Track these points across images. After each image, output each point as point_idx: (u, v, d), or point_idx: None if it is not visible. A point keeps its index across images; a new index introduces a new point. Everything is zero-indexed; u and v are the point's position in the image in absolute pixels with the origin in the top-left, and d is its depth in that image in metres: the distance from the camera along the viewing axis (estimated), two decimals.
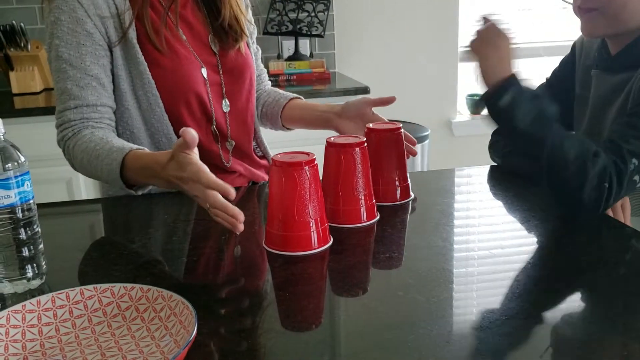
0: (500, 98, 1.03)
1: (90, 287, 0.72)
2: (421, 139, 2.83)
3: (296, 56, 2.84)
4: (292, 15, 2.83)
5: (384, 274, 0.85)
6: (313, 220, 0.89)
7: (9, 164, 0.77)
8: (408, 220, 1.06)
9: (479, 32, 1.07)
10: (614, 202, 1.01)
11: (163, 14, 1.18)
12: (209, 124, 1.23)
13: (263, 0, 2.83)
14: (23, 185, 0.79)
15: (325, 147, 1.00)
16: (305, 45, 2.93)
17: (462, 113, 3.34)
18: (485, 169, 1.29)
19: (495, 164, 1.30)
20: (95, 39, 1.12)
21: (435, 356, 0.64)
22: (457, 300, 0.76)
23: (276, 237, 0.90)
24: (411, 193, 1.12)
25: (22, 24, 2.48)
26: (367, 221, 1.00)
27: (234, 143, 1.28)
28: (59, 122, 1.15)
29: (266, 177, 1.35)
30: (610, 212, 1.08)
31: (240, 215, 0.88)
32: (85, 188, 2.34)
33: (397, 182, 1.09)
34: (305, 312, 0.75)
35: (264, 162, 1.37)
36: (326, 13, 2.85)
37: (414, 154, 1.19)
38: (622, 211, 1.10)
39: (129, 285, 0.72)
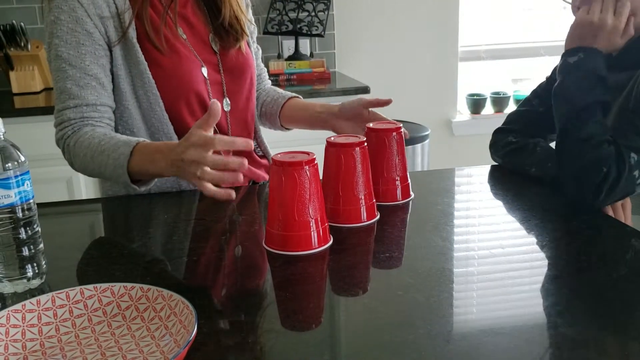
0: (574, 56, 1.09)
1: (90, 286, 0.72)
2: (421, 139, 2.83)
3: (296, 56, 2.84)
4: (292, 14, 2.83)
5: (384, 274, 0.85)
6: (313, 220, 0.89)
7: (9, 164, 0.77)
8: (408, 219, 1.06)
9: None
10: (610, 195, 1.01)
11: (163, 13, 1.18)
12: None
13: None
14: (23, 184, 0.79)
15: (325, 147, 1.00)
16: (305, 44, 2.93)
17: (462, 113, 3.33)
18: (486, 169, 1.29)
19: (496, 163, 1.30)
20: (95, 38, 1.12)
21: (435, 356, 0.64)
22: (457, 299, 0.76)
23: (276, 236, 0.90)
24: (411, 193, 1.12)
25: (22, 24, 2.48)
26: (367, 221, 1.00)
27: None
28: (58, 120, 1.14)
29: (267, 177, 1.35)
30: (610, 212, 1.08)
31: (245, 161, 0.90)
32: (86, 187, 2.34)
33: (397, 182, 1.09)
34: (305, 311, 0.75)
35: (264, 161, 1.37)
36: (326, 13, 2.85)
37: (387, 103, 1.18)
38: (623, 210, 1.10)
39: (129, 285, 0.72)
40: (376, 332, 0.70)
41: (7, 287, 0.80)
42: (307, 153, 0.91)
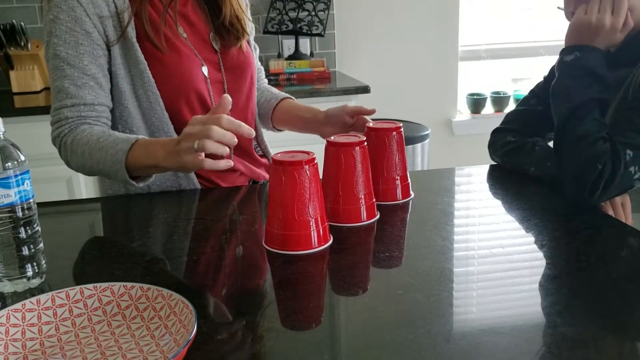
0: (570, 54, 1.10)
1: (90, 286, 0.72)
2: (421, 138, 2.83)
3: (296, 55, 2.84)
4: (293, 14, 2.83)
5: (384, 273, 0.85)
6: (313, 220, 0.89)
7: (9, 163, 0.77)
8: (408, 219, 1.06)
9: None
10: (606, 191, 1.01)
11: (163, 12, 1.18)
12: None
13: None
14: (23, 184, 0.79)
15: (325, 146, 1.00)
16: (305, 44, 2.93)
17: (463, 112, 3.33)
18: (486, 168, 1.29)
19: (495, 163, 1.30)
20: (94, 38, 1.12)
21: (435, 355, 0.64)
22: (457, 299, 0.76)
23: (276, 236, 0.90)
24: (411, 192, 1.12)
25: (22, 23, 2.48)
26: (367, 220, 1.00)
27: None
28: (55, 119, 1.14)
29: (267, 176, 1.35)
30: (610, 211, 1.08)
31: (252, 132, 0.95)
32: (85, 187, 2.34)
33: (397, 181, 1.09)
34: (305, 311, 0.75)
35: (264, 160, 1.37)
36: (326, 12, 2.84)
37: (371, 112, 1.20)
38: (623, 209, 1.10)
39: (128, 284, 0.72)
40: (376, 331, 0.70)
41: (7, 287, 0.80)
42: (307, 152, 0.91)
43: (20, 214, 0.79)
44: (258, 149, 1.39)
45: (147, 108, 1.17)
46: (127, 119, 1.17)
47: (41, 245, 0.83)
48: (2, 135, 0.77)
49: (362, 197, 0.99)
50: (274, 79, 2.72)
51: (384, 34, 3.08)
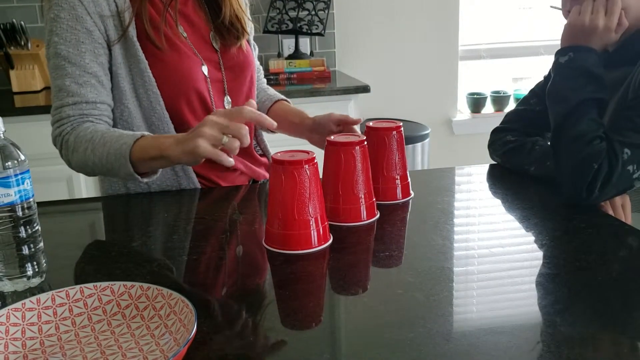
0: (564, 55, 1.10)
1: (90, 285, 0.72)
2: (421, 138, 2.84)
3: (296, 55, 2.84)
4: (293, 13, 2.83)
5: (384, 273, 0.85)
6: (313, 219, 0.89)
7: (9, 162, 0.77)
8: (408, 218, 1.06)
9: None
10: (603, 191, 1.01)
11: (163, 12, 1.18)
12: None
13: None
14: (23, 183, 0.79)
15: (325, 146, 1.00)
16: (305, 43, 2.93)
17: (463, 112, 3.33)
18: (486, 168, 1.29)
19: (495, 162, 1.30)
20: (95, 37, 1.12)
21: (434, 354, 0.64)
22: (457, 298, 0.76)
23: (276, 235, 0.90)
24: (411, 191, 1.12)
25: (22, 23, 2.48)
26: (367, 220, 1.00)
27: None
28: (56, 118, 1.14)
29: (267, 175, 1.35)
30: (610, 212, 1.08)
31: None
32: (86, 186, 2.34)
33: (397, 181, 1.09)
34: (305, 310, 0.75)
35: (264, 160, 1.37)
36: (326, 11, 2.84)
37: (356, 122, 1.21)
38: (623, 210, 1.10)
39: (128, 284, 0.72)
40: (376, 330, 0.70)
41: (7, 286, 0.80)
42: (307, 152, 0.91)
43: (20, 213, 0.79)
44: (258, 148, 1.39)
45: (148, 107, 1.17)
46: (127, 118, 1.17)
47: (41, 244, 0.83)
48: (2, 135, 0.77)
49: (362, 196, 0.99)
50: (274, 78, 2.72)
51: (384, 34, 3.08)
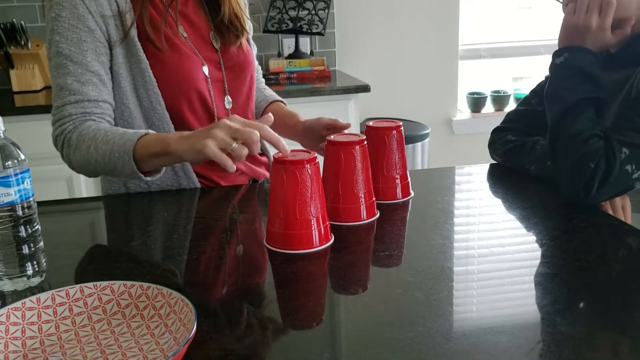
0: (560, 56, 1.11)
1: (90, 284, 0.72)
2: (422, 137, 2.84)
3: (296, 54, 2.84)
4: (293, 13, 2.83)
5: (384, 272, 0.85)
6: (314, 219, 0.89)
7: (9, 162, 0.77)
8: (408, 218, 1.06)
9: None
10: (601, 190, 1.01)
11: (164, 12, 1.18)
12: (211, 121, 1.23)
13: None
14: (23, 182, 0.79)
15: (325, 145, 1.00)
16: (305, 43, 2.93)
17: (463, 111, 3.33)
18: (486, 167, 1.29)
19: (495, 162, 1.30)
20: (96, 35, 1.11)
21: (434, 354, 0.64)
22: (456, 298, 0.76)
23: (277, 235, 0.90)
24: (411, 191, 1.12)
25: (22, 22, 2.48)
26: (367, 219, 1.00)
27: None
28: (57, 117, 1.13)
29: (267, 174, 1.35)
30: (610, 212, 1.08)
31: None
32: (86, 186, 2.34)
33: (397, 180, 1.09)
34: (305, 310, 0.75)
35: (264, 159, 1.37)
36: (327, 11, 2.84)
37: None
38: (623, 212, 1.10)
39: (128, 283, 0.72)
40: (376, 330, 0.70)
41: (7, 285, 0.80)
42: (309, 152, 0.91)
43: (20, 212, 0.79)
44: None
45: (148, 107, 1.17)
46: (128, 118, 1.17)
47: (41, 243, 0.83)
48: (2, 134, 0.77)
49: (362, 196, 0.99)
50: (274, 78, 2.72)
51: (384, 33, 3.08)
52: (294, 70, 2.76)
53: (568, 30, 1.10)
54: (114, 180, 1.23)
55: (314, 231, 0.89)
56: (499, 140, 1.28)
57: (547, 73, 1.27)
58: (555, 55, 1.12)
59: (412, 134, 2.78)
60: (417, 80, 3.16)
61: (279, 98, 1.43)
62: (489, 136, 1.32)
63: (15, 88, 2.52)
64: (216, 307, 0.76)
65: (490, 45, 3.37)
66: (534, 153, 1.20)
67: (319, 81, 2.70)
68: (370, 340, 0.68)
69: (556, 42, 1.14)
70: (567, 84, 1.08)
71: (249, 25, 1.33)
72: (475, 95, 3.28)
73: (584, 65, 1.07)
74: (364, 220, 1.00)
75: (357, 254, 0.91)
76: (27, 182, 0.80)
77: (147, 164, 1.05)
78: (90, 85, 1.11)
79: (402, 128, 1.09)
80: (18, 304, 0.69)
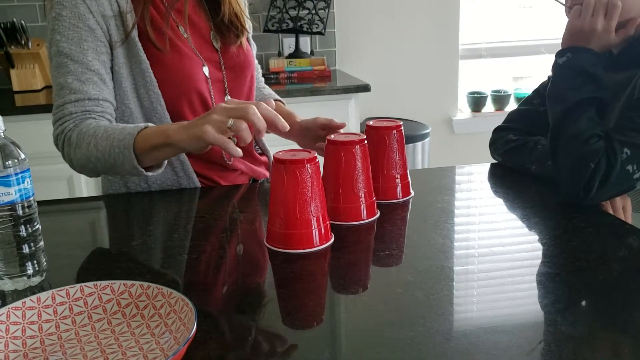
0: (563, 56, 1.11)
1: (91, 284, 0.72)
2: (422, 137, 2.84)
3: (297, 54, 2.84)
4: (293, 12, 2.83)
5: (384, 272, 0.85)
6: (315, 218, 0.89)
7: (10, 161, 0.77)
8: (408, 217, 1.06)
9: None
10: (601, 190, 1.01)
11: (165, 13, 1.18)
12: None
13: None
14: (23, 182, 0.79)
15: (325, 145, 1.00)
16: (305, 42, 2.93)
17: (463, 111, 3.33)
18: (486, 167, 1.29)
19: (496, 161, 1.30)
20: (97, 35, 1.11)
21: (434, 353, 0.64)
22: (457, 297, 0.76)
23: (277, 234, 0.90)
24: (411, 190, 1.12)
25: (22, 22, 2.48)
26: (367, 219, 1.00)
27: (235, 140, 1.27)
28: (58, 115, 1.12)
29: (267, 174, 1.35)
30: (610, 211, 1.08)
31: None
32: (86, 185, 2.34)
33: (397, 180, 1.09)
34: (305, 309, 0.75)
35: (264, 158, 1.37)
36: (327, 10, 2.84)
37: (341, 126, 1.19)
38: (624, 212, 1.10)
39: (129, 282, 0.72)
40: (376, 329, 0.70)
41: (8, 285, 0.80)
42: (309, 151, 0.91)
43: (20, 212, 0.79)
44: (257, 147, 1.39)
45: (149, 108, 1.17)
46: (128, 118, 1.17)
47: (41, 243, 0.83)
48: (2, 134, 0.77)
49: (362, 195, 0.99)
50: (274, 77, 2.72)
51: (384, 33, 3.08)
52: (294, 70, 2.76)
53: (573, 33, 1.10)
54: (115, 180, 1.23)
55: (314, 231, 0.89)
56: (500, 140, 1.28)
57: (549, 73, 1.27)
58: (558, 55, 1.12)
59: (413, 134, 2.78)
60: (418, 80, 3.16)
61: (278, 97, 1.43)
62: (489, 136, 1.32)
63: (15, 88, 2.52)
64: (216, 306, 0.76)
65: (491, 45, 3.37)
66: (535, 153, 1.19)
67: (319, 81, 2.70)
68: (371, 339, 0.68)
69: (557, 41, 1.14)
70: (570, 84, 1.08)
71: (248, 25, 1.33)
72: (475, 95, 3.28)
73: (586, 65, 1.07)
74: (364, 219, 1.00)
75: (357, 253, 0.91)
76: (28, 182, 0.80)
77: (148, 157, 1.04)
78: (91, 84, 1.11)
79: (402, 127, 1.09)
80: (18, 303, 0.69)
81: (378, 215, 1.02)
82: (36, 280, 0.82)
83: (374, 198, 1.02)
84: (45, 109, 2.22)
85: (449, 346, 0.65)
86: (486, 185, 1.22)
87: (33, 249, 0.81)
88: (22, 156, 0.79)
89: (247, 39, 1.32)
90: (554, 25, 3.18)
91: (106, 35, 1.13)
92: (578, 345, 0.65)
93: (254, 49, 1.38)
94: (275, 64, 2.77)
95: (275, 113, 0.94)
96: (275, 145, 1.22)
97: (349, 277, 0.83)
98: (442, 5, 3.10)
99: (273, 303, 0.77)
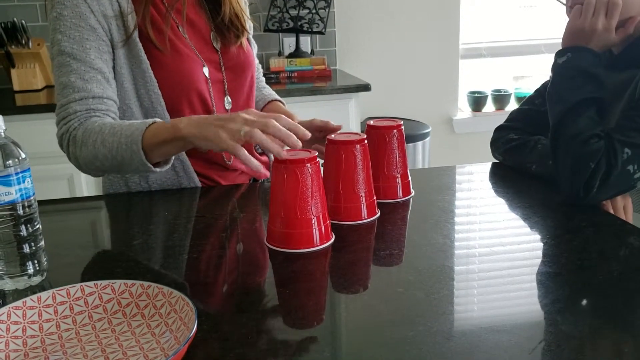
0: (563, 56, 1.11)
1: (91, 283, 0.72)
2: (422, 136, 2.84)
3: (297, 53, 2.84)
4: (293, 12, 2.83)
5: (384, 271, 0.85)
6: (315, 218, 0.89)
7: (10, 161, 0.77)
8: (409, 217, 1.06)
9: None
10: (602, 190, 1.01)
11: (167, 14, 1.18)
12: None
13: None
14: (24, 182, 0.79)
15: (326, 145, 1.00)
16: (306, 42, 2.93)
17: (463, 110, 3.33)
18: (487, 166, 1.29)
19: (497, 161, 1.30)
20: (99, 34, 1.11)
21: (435, 353, 0.64)
22: (457, 297, 0.76)
23: (278, 234, 0.90)
24: (412, 190, 1.12)
25: (23, 21, 2.48)
26: (368, 218, 1.00)
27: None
28: (62, 115, 1.11)
29: (267, 174, 1.35)
30: (611, 211, 1.08)
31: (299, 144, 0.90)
32: (87, 185, 2.34)
33: (397, 179, 1.09)
34: (306, 309, 0.75)
35: (264, 158, 1.37)
36: (327, 10, 2.84)
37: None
38: (625, 212, 1.10)
39: (129, 282, 0.72)
40: (376, 329, 0.70)
41: (8, 284, 0.81)
42: (309, 151, 0.91)
43: (21, 211, 0.79)
44: (257, 147, 1.39)
45: (149, 108, 1.17)
46: (129, 118, 1.16)
47: (42, 242, 0.83)
48: (3, 133, 0.77)
49: (363, 195, 0.99)
50: (274, 77, 2.72)
51: (384, 32, 3.08)
52: (294, 70, 2.76)
53: (573, 32, 1.10)
54: (115, 179, 1.23)
55: (314, 230, 0.89)
56: (501, 139, 1.28)
57: (549, 73, 1.27)
58: (558, 55, 1.12)
59: (413, 133, 2.78)
60: (418, 79, 3.16)
61: (277, 97, 1.43)
62: (489, 135, 1.32)
63: (16, 87, 2.52)
64: (217, 306, 0.76)
65: (491, 44, 3.37)
66: (535, 152, 1.19)
67: (320, 80, 2.70)
68: (371, 339, 0.68)
69: (557, 40, 1.14)
70: (570, 84, 1.08)
71: (249, 25, 1.33)
72: (476, 94, 3.28)
73: (586, 65, 1.07)
74: (365, 219, 1.00)
75: (357, 253, 0.91)
76: (28, 181, 0.80)
77: (156, 153, 1.03)
78: (94, 83, 1.11)
79: (402, 127, 1.09)
80: (19, 302, 0.69)
81: (378, 214, 1.02)
82: (37, 279, 0.82)
83: (375, 197, 1.02)
84: (46, 108, 2.22)
85: (449, 345, 0.65)
86: (487, 184, 1.22)
87: (33, 248, 0.81)
88: (23, 156, 0.79)
89: (248, 39, 1.31)
90: (554, 25, 3.18)
91: (108, 35, 1.12)
92: (578, 344, 0.65)
93: (254, 49, 1.38)
94: (275, 63, 2.77)
95: (295, 123, 0.93)
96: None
97: (349, 276, 0.83)
98: (443, 4, 3.10)
99: (273, 302, 0.77)
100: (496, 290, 0.79)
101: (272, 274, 0.85)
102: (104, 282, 0.72)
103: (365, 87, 2.54)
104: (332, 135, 1.00)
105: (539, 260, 0.86)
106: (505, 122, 1.32)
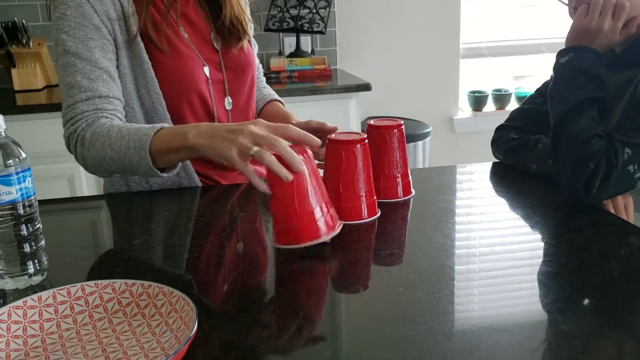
0: (565, 56, 1.11)
1: (92, 283, 0.72)
2: (423, 136, 2.84)
3: (297, 53, 2.84)
4: (294, 11, 2.83)
5: (384, 271, 0.85)
6: (319, 207, 0.88)
7: (10, 161, 0.77)
8: (409, 216, 1.06)
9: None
10: (602, 190, 1.01)
11: (164, 13, 1.18)
12: (211, 122, 1.23)
13: None
14: (24, 181, 0.79)
15: (326, 144, 1.00)
16: (306, 41, 2.93)
17: (464, 110, 3.33)
18: (487, 166, 1.29)
19: (497, 160, 1.30)
20: (103, 33, 1.11)
21: (435, 352, 0.64)
22: (458, 296, 0.76)
23: (279, 232, 0.90)
24: (412, 190, 1.12)
25: (23, 21, 2.48)
26: (368, 218, 1.00)
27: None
28: (69, 115, 1.10)
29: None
30: (612, 210, 1.08)
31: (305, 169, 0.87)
32: (87, 185, 2.34)
33: (398, 179, 1.09)
34: (306, 308, 0.75)
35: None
36: (328, 9, 2.84)
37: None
38: (626, 211, 1.10)
39: (130, 281, 0.72)
40: (377, 328, 0.70)
41: (9, 284, 0.81)
42: (301, 146, 0.91)
43: (21, 211, 0.79)
44: None
45: (150, 108, 1.17)
46: (130, 119, 1.16)
47: (42, 242, 0.83)
48: (3, 133, 0.77)
49: (363, 194, 0.99)
50: (275, 76, 2.72)
51: (385, 32, 3.08)
52: (295, 69, 2.76)
53: (578, 32, 1.10)
54: (116, 179, 1.23)
55: (318, 222, 0.88)
56: (501, 138, 1.28)
57: (550, 73, 1.27)
58: (560, 54, 1.12)
59: (413, 133, 2.78)
60: (419, 79, 3.16)
61: (277, 97, 1.43)
62: (490, 135, 1.32)
63: (16, 87, 2.52)
64: (217, 305, 0.77)
65: (492, 44, 3.37)
66: (535, 151, 1.19)
67: (320, 80, 2.70)
68: (371, 338, 0.68)
69: (558, 40, 1.14)
70: (571, 84, 1.08)
71: (250, 27, 1.33)
72: (476, 94, 3.27)
73: (588, 65, 1.07)
74: (365, 218, 1.00)
75: (358, 252, 0.91)
76: (29, 181, 0.80)
77: (164, 159, 1.03)
78: (100, 82, 1.10)
79: (403, 127, 1.09)
80: (19, 302, 0.69)
81: (379, 214, 1.02)
82: (37, 279, 0.82)
83: (375, 197, 1.02)
84: (46, 108, 2.22)
85: (449, 345, 0.65)
86: (487, 184, 1.22)
87: (34, 248, 0.81)
88: (23, 155, 0.79)
89: (248, 40, 1.31)
90: (555, 24, 3.18)
91: (111, 34, 1.12)
92: (579, 344, 0.65)
93: (255, 49, 1.38)
94: (276, 63, 2.76)
95: (306, 133, 0.91)
96: None
97: (349, 276, 0.83)
98: (443, 4, 3.10)
99: (274, 302, 0.77)
100: (497, 289, 0.79)
101: (273, 274, 0.85)
102: (105, 282, 0.72)
103: (366, 87, 2.54)
104: (333, 135, 1.00)
105: (540, 260, 0.86)
106: (505, 121, 1.32)
